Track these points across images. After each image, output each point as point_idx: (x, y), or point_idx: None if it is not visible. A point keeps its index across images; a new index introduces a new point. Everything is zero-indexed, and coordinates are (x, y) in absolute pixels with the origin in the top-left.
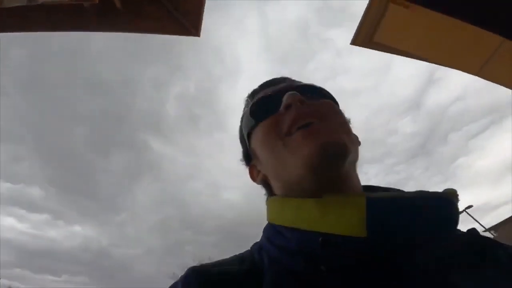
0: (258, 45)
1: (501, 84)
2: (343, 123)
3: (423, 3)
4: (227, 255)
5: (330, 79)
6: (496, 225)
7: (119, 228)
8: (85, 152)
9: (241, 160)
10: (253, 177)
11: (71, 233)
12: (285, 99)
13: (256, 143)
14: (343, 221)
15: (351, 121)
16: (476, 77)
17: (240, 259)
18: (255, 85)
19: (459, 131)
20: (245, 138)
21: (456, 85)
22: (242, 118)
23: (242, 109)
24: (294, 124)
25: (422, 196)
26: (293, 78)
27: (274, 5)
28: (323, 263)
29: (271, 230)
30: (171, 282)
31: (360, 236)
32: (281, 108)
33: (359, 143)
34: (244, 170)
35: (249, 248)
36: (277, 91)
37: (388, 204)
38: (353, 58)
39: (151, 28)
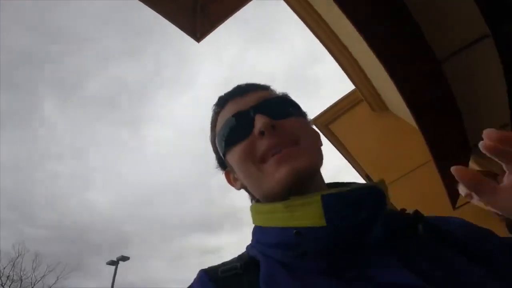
0: (221, 75)
1: (395, 204)
2: (313, 142)
3: (394, 108)
4: (52, 254)
5: None
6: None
7: None
8: None
9: (216, 166)
10: (230, 183)
11: None
12: (257, 125)
13: (233, 163)
14: (308, 216)
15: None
16: None
17: (239, 257)
18: (195, 108)
19: None
20: (220, 153)
21: None
22: (213, 128)
23: (211, 116)
24: (268, 152)
25: (359, 188)
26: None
27: (258, 50)
28: (298, 250)
29: (258, 231)
30: None
31: (322, 225)
32: (254, 132)
33: (321, 144)
34: (128, 181)
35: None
36: (246, 111)
37: (337, 197)
38: None
39: (168, 11)
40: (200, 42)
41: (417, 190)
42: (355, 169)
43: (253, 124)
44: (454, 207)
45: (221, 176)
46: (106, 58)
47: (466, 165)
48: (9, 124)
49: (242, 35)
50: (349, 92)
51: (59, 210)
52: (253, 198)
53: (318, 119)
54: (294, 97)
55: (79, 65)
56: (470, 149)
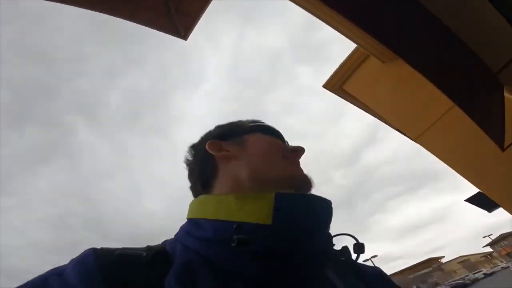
0: (227, 63)
1: (433, 153)
2: None
3: (401, 53)
4: None
5: (283, 115)
6: (390, 275)
7: (3, 213)
8: None
9: (218, 134)
10: (214, 150)
11: None
12: (298, 146)
13: (258, 141)
14: (255, 212)
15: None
16: (409, 142)
17: (148, 248)
18: (213, 102)
19: (381, 191)
20: (244, 127)
21: (391, 148)
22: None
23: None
24: (294, 159)
25: (317, 197)
26: (248, 107)
27: (255, 29)
28: (234, 249)
29: (190, 224)
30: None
31: (266, 223)
32: (288, 146)
33: None
34: (173, 184)
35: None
36: (282, 136)
37: (291, 199)
38: (311, 100)
39: (145, 19)
40: (189, 39)
41: (452, 138)
42: (385, 123)
43: (286, 143)
44: (503, 149)
45: None
46: (112, 72)
47: (501, 97)
48: (52, 157)
49: (234, 18)
50: (354, 50)
51: (126, 222)
52: (206, 182)
53: (329, 83)
54: (304, 67)
55: (92, 85)
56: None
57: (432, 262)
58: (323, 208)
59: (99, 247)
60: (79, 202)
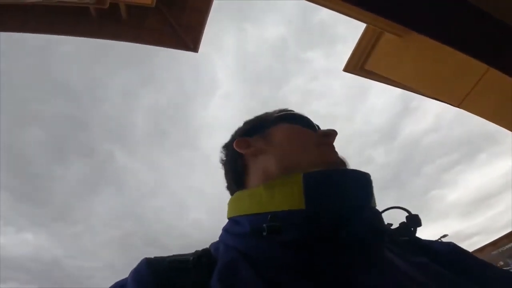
0: (234, 63)
1: (481, 117)
2: None
3: (415, 28)
4: None
5: (306, 103)
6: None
7: (74, 239)
8: (42, 157)
9: (244, 131)
10: (241, 148)
11: (21, 241)
12: (329, 130)
13: (283, 131)
14: (287, 198)
15: None
16: (450, 108)
17: (195, 252)
18: (229, 106)
19: (432, 164)
20: (270, 119)
21: (430, 115)
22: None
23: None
24: (327, 143)
25: (351, 170)
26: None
27: (253, 22)
28: (268, 239)
29: (229, 223)
30: None
31: (300, 208)
32: (319, 130)
33: None
34: (212, 192)
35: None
36: (311, 121)
37: (319, 176)
38: (330, 82)
39: (151, 40)
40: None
41: (496, 98)
42: (419, 94)
43: (315, 128)
44: None
45: None
46: (129, 93)
47: None
48: (99, 185)
49: (230, 18)
50: (365, 29)
51: (179, 234)
52: (239, 177)
53: (349, 65)
54: (313, 52)
55: (113, 109)
56: None
57: None
58: (360, 181)
59: (152, 257)
60: (134, 222)
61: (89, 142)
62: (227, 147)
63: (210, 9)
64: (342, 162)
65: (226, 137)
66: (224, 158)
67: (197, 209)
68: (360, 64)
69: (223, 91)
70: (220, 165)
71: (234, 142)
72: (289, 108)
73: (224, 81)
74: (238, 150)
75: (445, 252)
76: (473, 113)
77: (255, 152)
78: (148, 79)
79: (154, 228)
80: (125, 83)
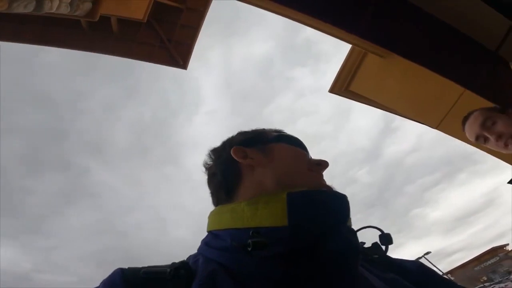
0: (220, 79)
1: (459, 139)
2: None
3: (396, 51)
4: None
5: (291, 122)
6: (452, 269)
7: (45, 253)
8: (16, 168)
9: (241, 141)
10: (239, 156)
11: None
12: (322, 160)
13: (285, 151)
14: (270, 215)
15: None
16: (431, 128)
17: (172, 264)
18: (214, 123)
19: (414, 183)
20: (269, 136)
21: (412, 136)
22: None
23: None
24: (319, 171)
25: (331, 191)
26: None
27: (240, 38)
28: (251, 254)
29: (209, 236)
30: None
31: (282, 225)
32: (311, 158)
33: None
34: (194, 208)
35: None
36: (306, 147)
37: (303, 196)
38: (315, 101)
39: (141, 54)
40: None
41: None
42: (400, 116)
43: (309, 154)
44: None
45: None
46: (111, 107)
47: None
48: (75, 198)
49: (217, 35)
50: (350, 49)
51: (160, 251)
52: (230, 189)
53: (335, 87)
54: (298, 69)
55: (94, 122)
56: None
57: (498, 251)
58: (339, 202)
59: (126, 266)
60: (111, 238)
61: (66, 155)
62: (218, 152)
63: (202, 26)
64: (329, 188)
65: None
66: (211, 163)
67: (179, 226)
68: (345, 85)
69: (208, 108)
70: (204, 169)
71: (233, 149)
72: (285, 131)
73: (209, 98)
74: (235, 157)
75: (414, 270)
76: (450, 135)
77: (253, 163)
78: (132, 92)
79: (133, 244)
80: (109, 95)
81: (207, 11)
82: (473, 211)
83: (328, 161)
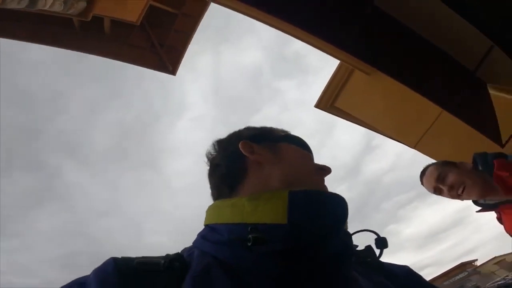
0: (207, 86)
1: (435, 159)
2: None
3: (381, 68)
4: None
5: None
6: None
7: (8, 254)
8: None
9: (250, 136)
10: (247, 151)
11: None
12: (326, 166)
13: (294, 151)
14: (270, 212)
15: None
16: (409, 149)
17: (166, 256)
18: (197, 130)
19: (390, 200)
20: (277, 135)
21: (391, 154)
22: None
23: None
24: (321, 176)
25: (331, 193)
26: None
27: (230, 45)
28: (251, 249)
29: (206, 230)
30: None
31: (282, 223)
32: (317, 165)
33: None
34: (174, 214)
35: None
36: (312, 152)
37: (305, 195)
38: (299, 114)
39: (131, 58)
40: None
41: (448, 141)
42: (381, 134)
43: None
44: (501, 145)
45: None
46: (93, 108)
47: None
48: (45, 200)
49: (207, 42)
50: (338, 65)
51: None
52: (235, 182)
53: (321, 102)
54: (286, 81)
55: (72, 123)
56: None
57: (466, 266)
58: (339, 203)
59: (119, 257)
60: (82, 242)
61: (38, 154)
62: (223, 144)
63: (195, 32)
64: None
65: (191, 162)
66: (215, 153)
67: (157, 232)
68: (331, 101)
69: (193, 114)
70: (206, 160)
71: (241, 142)
72: (290, 131)
73: (195, 104)
74: (243, 151)
75: (402, 275)
76: (427, 155)
77: (261, 160)
78: (115, 94)
79: (105, 249)
80: (91, 96)
81: (202, 18)
82: (443, 228)
83: (330, 167)
